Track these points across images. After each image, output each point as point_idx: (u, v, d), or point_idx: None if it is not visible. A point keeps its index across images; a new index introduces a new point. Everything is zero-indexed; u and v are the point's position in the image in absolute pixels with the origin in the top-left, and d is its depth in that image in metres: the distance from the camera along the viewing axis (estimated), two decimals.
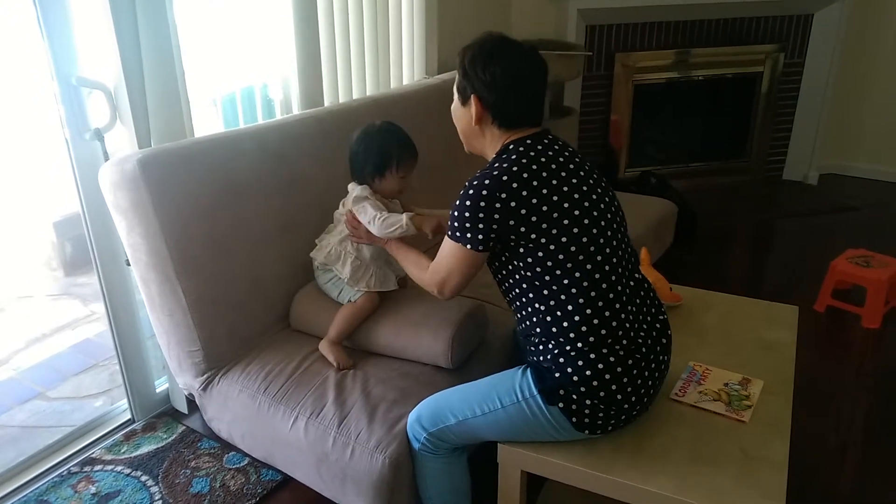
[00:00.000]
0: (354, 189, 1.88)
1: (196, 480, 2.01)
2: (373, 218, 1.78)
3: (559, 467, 1.46)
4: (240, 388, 1.84)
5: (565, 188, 1.42)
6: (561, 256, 1.40)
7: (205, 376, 1.90)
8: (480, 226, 1.41)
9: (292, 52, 2.37)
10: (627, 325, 1.45)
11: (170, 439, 2.19)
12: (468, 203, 1.42)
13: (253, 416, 1.80)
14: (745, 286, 3.17)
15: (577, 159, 1.50)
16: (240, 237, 1.95)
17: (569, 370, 1.42)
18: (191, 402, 2.28)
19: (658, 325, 1.53)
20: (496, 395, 1.49)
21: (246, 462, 2.08)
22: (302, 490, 1.98)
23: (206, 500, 1.94)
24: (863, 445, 2.17)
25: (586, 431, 1.46)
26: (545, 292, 1.44)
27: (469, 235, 1.43)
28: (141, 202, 1.76)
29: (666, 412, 1.57)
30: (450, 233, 1.48)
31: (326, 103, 2.53)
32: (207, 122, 2.32)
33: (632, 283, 1.50)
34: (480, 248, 1.44)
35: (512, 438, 1.52)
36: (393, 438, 1.59)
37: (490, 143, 1.56)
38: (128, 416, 2.29)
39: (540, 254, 1.41)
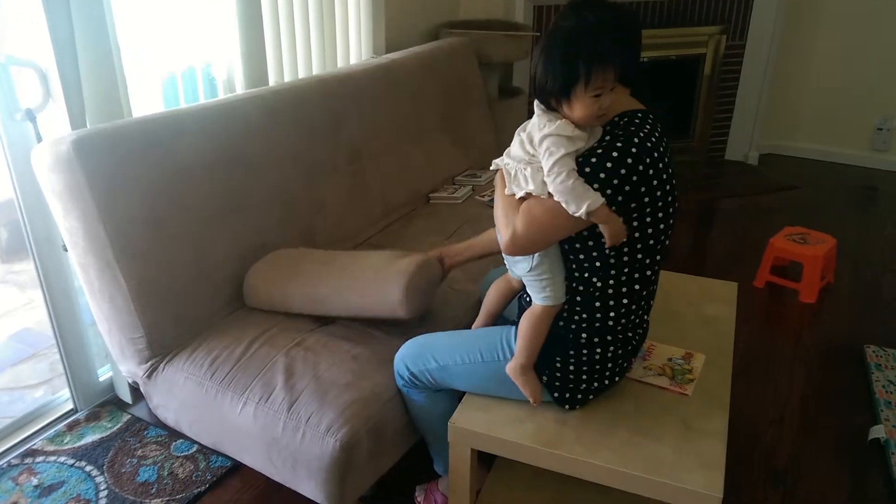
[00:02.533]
0: (543, 118, 1.35)
1: (143, 469, 1.98)
2: (556, 172, 1.29)
3: (507, 444, 1.49)
4: (186, 374, 1.80)
5: (672, 171, 1.38)
6: (639, 243, 1.38)
7: (149, 363, 1.86)
8: (628, 188, 1.30)
9: (235, 30, 2.31)
10: (638, 319, 1.50)
11: (115, 428, 2.14)
12: (614, 154, 1.29)
13: (200, 403, 1.77)
14: (687, 264, 3.25)
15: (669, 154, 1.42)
16: (183, 219, 1.90)
17: (569, 342, 1.46)
18: (135, 390, 2.23)
19: (647, 320, 1.58)
20: (478, 349, 1.56)
21: (195, 449, 2.05)
22: (252, 475, 1.96)
23: (154, 489, 1.91)
24: (799, 415, 2.26)
25: (567, 406, 1.53)
26: (599, 273, 1.40)
27: (610, 186, 1.30)
28: (76, 185, 1.70)
29: (611, 388, 1.60)
30: (591, 175, 1.31)
31: (271, 83, 2.48)
32: (147, 104, 2.25)
33: (656, 280, 1.51)
34: (613, 203, 1.31)
35: (484, 392, 1.59)
36: (345, 422, 1.59)
37: None
38: (70, 405, 2.23)
39: (634, 234, 1.37)
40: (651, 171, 1.31)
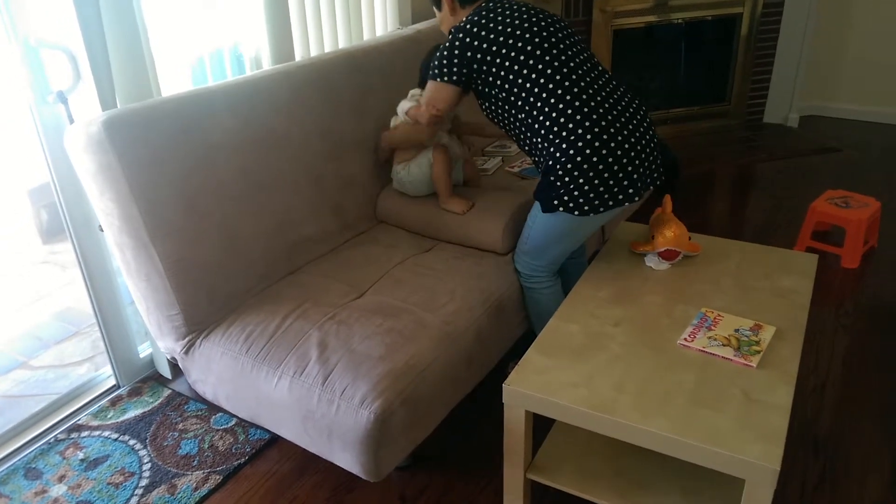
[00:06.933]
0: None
1: (184, 442, 2.02)
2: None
3: (562, 408, 1.47)
4: (222, 349, 1.83)
5: (523, 24, 1.84)
6: (525, 71, 1.81)
7: (186, 339, 1.89)
8: (456, 60, 1.86)
9: (261, 7, 2.30)
10: (601, 112, 1.80)
11: (156, 403, 2.19)
12: (445, 47, 1.88)
13: (237, 377, 1.80)
14: (727, 229, 3.18)
15: (533, 10, 1.89)
16: (214, 197, 1.92)
17: (558, 154, 1.81)
18: (174, 366, 2.28)
19: (635, 120, 1.87)
20: (528, 225, 2.03)
21: (233, 422, 2.09)
22: (290, 447, 2.00)
23: (196, 461, 1.95)
24: (841, 384, 2.21)
25: (591, 214, 1.84)
26: (528, 104, 1.83)
27: (445, 70, 1.88)
28: (109, 165, 1.72)
29: (672, 357, 1.57)
30: (432, 74, 1.91)
31: (297, 58, 2.47)
32: (176, 87, 2.26)
33: (604, 88, 1.86)
34: (454, 79, 1.88)
35: (556, 243, 1.99)
36: (379, 394, 1.60)
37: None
38: (112, 382, 2.29)
39: (509, 73, 1.82)
40: (469, 40, 1.84)
